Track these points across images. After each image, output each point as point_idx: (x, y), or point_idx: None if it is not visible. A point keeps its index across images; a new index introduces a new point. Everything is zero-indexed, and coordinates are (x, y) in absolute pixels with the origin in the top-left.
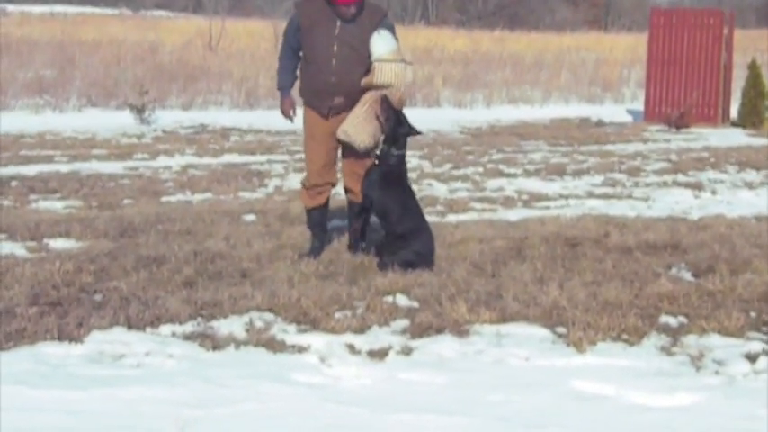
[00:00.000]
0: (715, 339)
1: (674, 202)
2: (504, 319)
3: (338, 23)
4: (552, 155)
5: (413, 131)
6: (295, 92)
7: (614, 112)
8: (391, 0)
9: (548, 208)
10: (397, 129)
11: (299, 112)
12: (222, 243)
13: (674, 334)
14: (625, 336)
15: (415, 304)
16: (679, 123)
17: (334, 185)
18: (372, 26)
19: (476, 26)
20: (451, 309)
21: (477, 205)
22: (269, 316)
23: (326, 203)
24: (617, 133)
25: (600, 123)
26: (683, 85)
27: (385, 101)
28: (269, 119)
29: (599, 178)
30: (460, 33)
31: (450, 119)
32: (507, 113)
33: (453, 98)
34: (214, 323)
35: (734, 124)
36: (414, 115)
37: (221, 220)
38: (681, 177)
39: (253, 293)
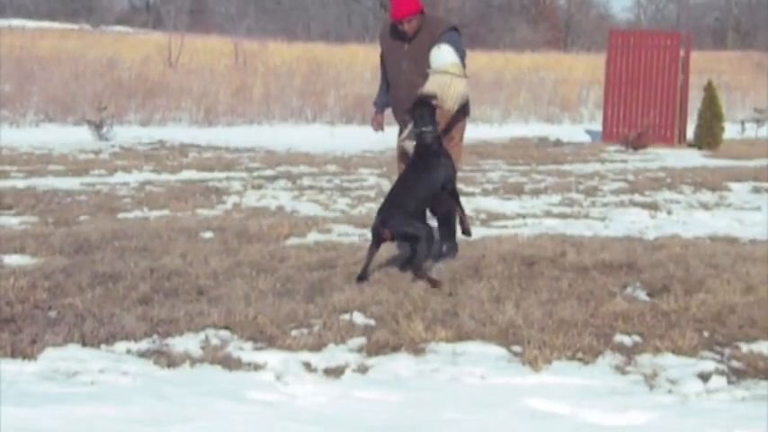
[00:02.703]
0: (669, 359)
1: (630, 221)
2: (460, 337)
3: (406, 42)
4: (510, 174)
5: (431, 108)
6: None
7: (572, 131)
8: (352, 18)
9: (505, 227)
10: (413, 109)
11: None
12: (179, 260)
13: (629, 353)
14: (580, 355)
15: (372, 322)
16: (636, 144)
17: None
18: (433, 40)
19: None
20: (408, 327)
21: (435, 224)
22: (225, 333)
23: None
24: (575, 153)
25: (558, 143)
26: (640, 105)
27: (416, 100)
28: (228, 135)
29: (556, 197)
30: None
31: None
32: (467, 132)
33: None
34: (169, 340)
35: (690, 145)
36: (372, 133)
37: (178, 236)
38: (637, 197)
39: (209, 311)
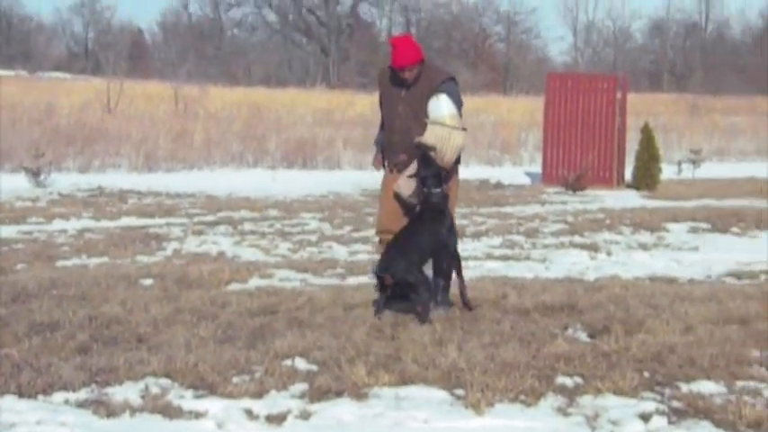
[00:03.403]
0: (610, 399)
1: (570, 263)
2: (403, 381)
3: (404, 88)
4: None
5: (439, 171)
6: None
7: (513, 174)
8: (293, 63)
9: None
10: (420, 170)
11: None
12: (118, 308)
13: (570, 394)
14: (522, 397)
15: (314, 367)
16: (576, 185)
17: None
18: (432, 89)
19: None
20: (350, 372)
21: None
22: (165, 381)
23: None
24: (515, 195)
25: (499, 185)
26: (579, 147)
27: (423, 151)
28: (168, 181)
29: (498, 240)
30: (361, 96)
31: (351, 181)
32: None
33: (354, 160)
34: (109, 390)
35: (628, 186)
36: (314, 177)
37: (118, 284)
38: (577, 239)
39: (149, 359)
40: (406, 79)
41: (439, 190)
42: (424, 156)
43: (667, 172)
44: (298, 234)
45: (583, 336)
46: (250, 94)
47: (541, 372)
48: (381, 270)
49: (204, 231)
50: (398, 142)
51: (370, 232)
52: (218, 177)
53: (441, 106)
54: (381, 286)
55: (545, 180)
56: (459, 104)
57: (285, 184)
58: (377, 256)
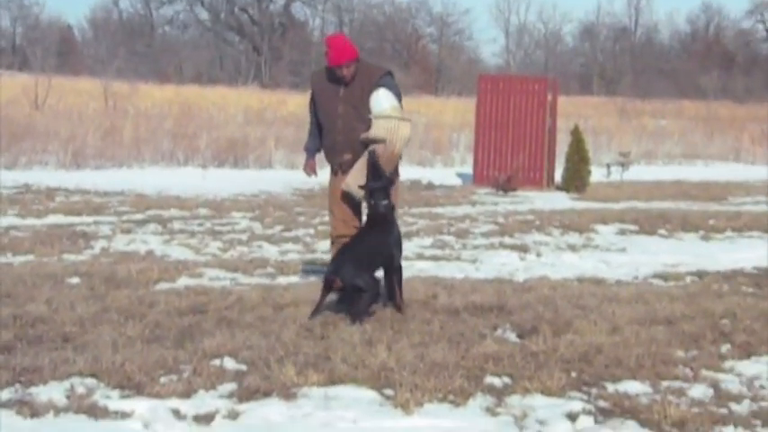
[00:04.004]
0: (538, 399)
1: (500, 263)
2: (332, 381)
3: (342, 87)
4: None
5: (387, 184)
6: None
7: (444, 175)
8: (224, 61)
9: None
10: (370, 182)
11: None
12: (44, 306)
13: (499, 394)
14: (451, 397)
15: (243, 367)
16: (506, 186)
17: None
18: (371, 85)
19: (309, 88)
20: (279, 371)
21: (308, 267)
22: (91, 381)
23: None
24: (446, 196)
25: (430, 186)
26: (509, 149)
27: (371, 155)
28: (97, 179)
29: (428, 240)
30: (294, 95)
31: (282, 180)
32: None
33: (286, 159)
34: (33, 390)
35: (558, 188)
36: (246, 176)
37: (44, 283)
38: (507, 239)
39: (74, 358)
40: (344, 77)
41: (386, 202)
42: (374, 165)
43: (596, 174)
44: (228, 233)
45: (512, 336)
46: (181, 92)
47: (470, 372)
48: (332, 273)
49: (133, 230)
50: (342, 142)
51: (301, 232)
52: (147, 175)
53: (382, 100)
54: (327, 288)
55: (476, 181)
56: (398, 97)
57: (216, 182)
58: (311, 256)
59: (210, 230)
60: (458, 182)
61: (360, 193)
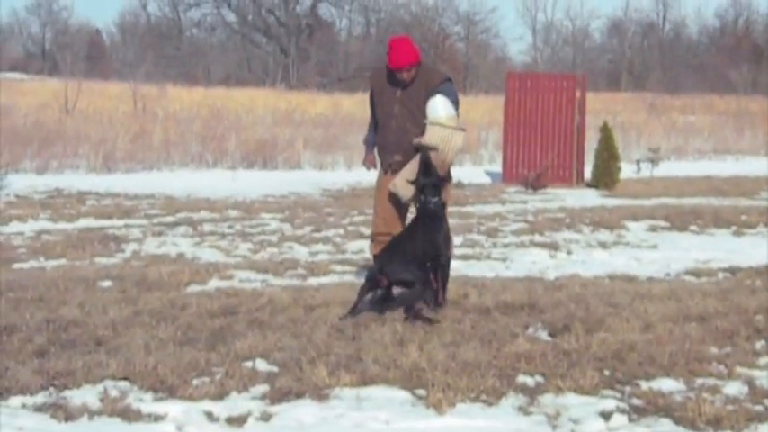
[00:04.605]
0: (571, 398)
1: (531, 262)
2: (364, 382)
3: (400, 88)
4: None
5: (438, 181)
6: None
7: (473, 173)
8: (252, 63)
9: None
10: (420, 178)
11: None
12: (76, 310)
13: (531, 393)
14: (484, 396)
15: (275, 369)
16: (536, 184)
17: None
18: (429, 90)
19: (336, 89)
20: (311, 372)
21: (338, 267)
22: (124, 384)
23: None
24: (476, 194)
25: (459, 185)
26: (538, 146)
27: (425, 155)
28: (127, 182)
29: (458, 239)
30: (321, 96)
31: (311, 181)
32: (367, 175)
33: (314, 160)
34: (67, 393)
35: (588, 185)
36: (274, 177)
37: (76, 286)
38: (537, 237)
39: (107, 362)
40: (403, 80)
41: (437, 199)
42: (426, 163)
43: (626, 171)
44: (258, 235)
45: (543, 334)
46: (209, 95)
47: (502, 371)
48: (378, 270)
49: (163, 232)
50: (394, 143)
51: (331, 232)
52: (177, 178)
53: (438, 107)
54: (372, 286)
55: (505, 179)
56: (456, 105)
57: (245, 184)
58: (341, 257)
59: (240, 232)
60: (487, 180)
61: (407, 195)
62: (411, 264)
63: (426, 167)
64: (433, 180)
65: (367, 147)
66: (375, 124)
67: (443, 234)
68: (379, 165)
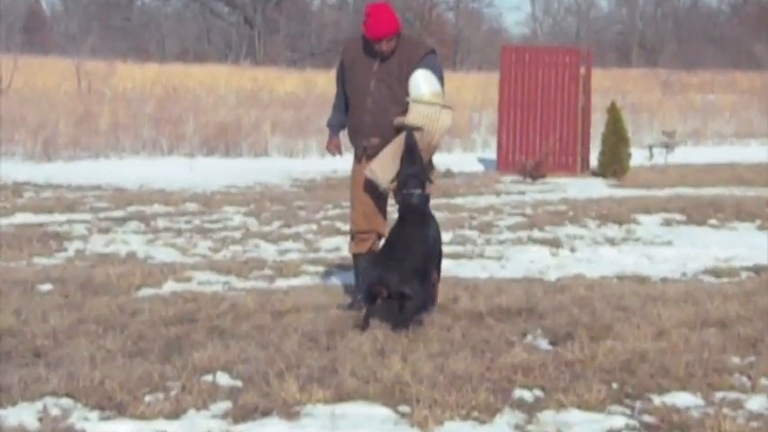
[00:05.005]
0: (574, 414)
1: (529, 260)
2: (340, 397)
3: (377, 61)
4: (395, 209)
5: (423, 174)
6: None
7: (464, 160)
8: (212, 35)
9: None
10: (404, 167)
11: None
12: (12, 318)
13: (530, 410)
14: (476, 413)
15: (239, 383)
16: (535, 173)
17: (381, 234)
18: (412, 63)
19: (309, 65)
20: (280, 387)
21: (311, 268)
22: (67, 402)
23: (371, 251)
24: (467, 185)
25: (448, 174)
26: (538, 130)
27: (409, 138)
28: (70, 172)
29: (447, 235)
30: (292, 73)
31: (280, 170)
32: (344, 163)
33: (284, 146)
34: (1, 412)
35: (594, 174)
36: (238, 165)
37: (11, 290)
38: (537, 233)
39: (48, 376)
40: (382, 52)
41: (419, 191)
42: (411, 148)
43: (637, 157)
44: (219, 231)
45: (543, 343)
46: (164, 72)
47: (497, 384)
48: (377, 281)
49: (112, 229)
50: (370, 124)
51: (303, 228)
52: (127, 167)
53: (421, 83)
54: (372, 299)
55: (500, 167)
56: (441, 80)
57: (205, 173)
58: (314, 255)
59: (200, 228)
60: (480, 168)
61: (385, 182)
62: (411, 275)
63: (411, 153)
64: (415, 169)
65: (331, 130)
66: (344, 103)
67: (434, 232)
68: (352, 152)
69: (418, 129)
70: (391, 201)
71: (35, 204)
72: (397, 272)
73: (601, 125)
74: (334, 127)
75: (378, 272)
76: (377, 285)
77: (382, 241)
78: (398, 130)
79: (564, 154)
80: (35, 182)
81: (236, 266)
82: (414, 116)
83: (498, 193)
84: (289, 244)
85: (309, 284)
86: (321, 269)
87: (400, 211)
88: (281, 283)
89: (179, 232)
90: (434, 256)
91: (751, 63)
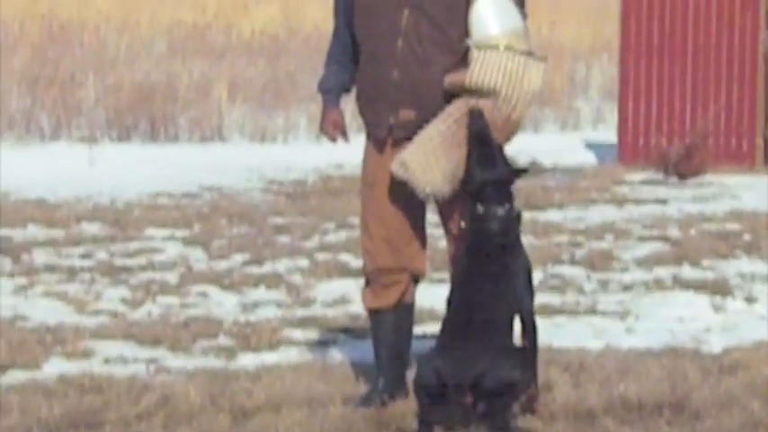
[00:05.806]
0: None
1: (675, 318)
2: None
3: None
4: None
5: (510, 176)
6: None
7: (562, 145)
8: None
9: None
10: (478, 172)
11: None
12: None
13: None
14: None
15: None
16: (684, 167)
17: (417, 275)
18: None
19: None
20: None
21: (297, 334)
22: None
23: (402, 304)
24: (567, 187)
25: (536, 167)
26: (688, 95)
27: (476, 117)
28: None
29: (535, 275)
30: None
31: (245, 164)
32: (352, 153)
33: (250, 123)
34: None
35: None
36: (172, 156)
37: None
38: (688, 272)
39: None
40: None
41: (507, 207)
42: (481, 137)
43: None
44: (140, 271)
45: None
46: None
47: None
48: (450, 374)
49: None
50: (400, 82)
51: (283, 265)
52: None
53: (490, 16)
54: (437, 400)
55: (623, 157)
56: (523, 11)
57: (115, 171)
58: (302, 313)
59: (107, 266)
60: (588, 159)
61: (426, 185)
62: (509, 356)
63: (482, 142)
64: (499, 173)
65: (326, 96)
66: (351, 50)
67: (526, 273)
68: (366, 134)
69: (489, 93)
70: (433, 216)
71: None
72: (489, 354)
73: None
74: (333, 92)
75: (450, 361)
76: (460, 391)
77: (434, 291)
78: (451, 95)
79: (734, 135)
80: None
81: (169, 333)
82: (485, 71)
83: (621, 202)
84: (260, 293)
85: (295, 363)
86: (315, 336)
87: (472, 240)
88: (248, 360)
89: (72, 273)
90: (526, 313)
91: None
